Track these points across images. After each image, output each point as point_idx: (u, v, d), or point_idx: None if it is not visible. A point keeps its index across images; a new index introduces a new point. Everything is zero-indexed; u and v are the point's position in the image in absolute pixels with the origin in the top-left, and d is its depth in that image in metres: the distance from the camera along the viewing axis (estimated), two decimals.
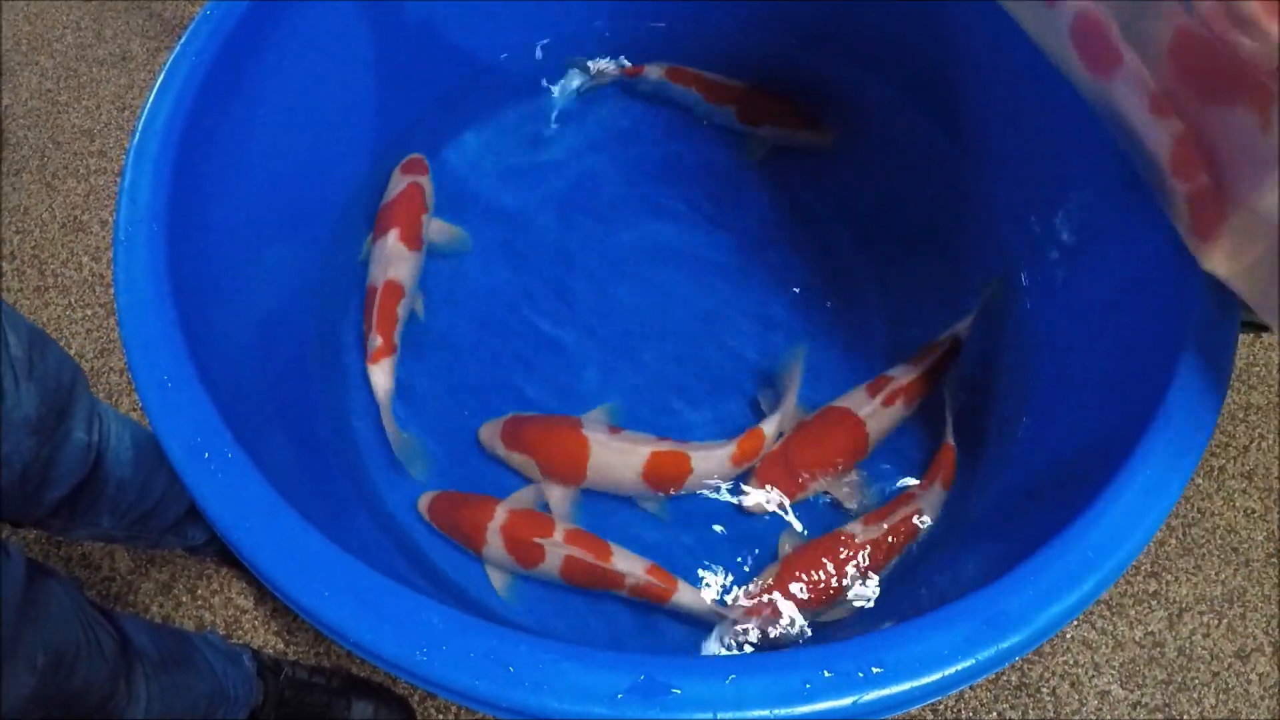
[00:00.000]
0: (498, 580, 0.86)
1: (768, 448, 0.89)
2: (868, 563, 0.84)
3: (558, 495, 0.88)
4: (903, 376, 0.93)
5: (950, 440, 0.90)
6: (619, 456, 0.86)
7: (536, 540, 0.83)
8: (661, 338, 1.01)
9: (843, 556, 0.84)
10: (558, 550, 0.82)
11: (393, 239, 0.98)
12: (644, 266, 1.05)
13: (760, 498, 0.89)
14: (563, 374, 0.99)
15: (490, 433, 0.92)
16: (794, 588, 0.82)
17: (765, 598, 0.82)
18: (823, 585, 0.83)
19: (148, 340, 0.60)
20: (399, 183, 1.04)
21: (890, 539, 0.85)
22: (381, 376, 0.92)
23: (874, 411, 0.90)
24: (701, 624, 0.84)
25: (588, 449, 0.87)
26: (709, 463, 0.87)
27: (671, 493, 0.89)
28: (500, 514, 0.85)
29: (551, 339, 1.01)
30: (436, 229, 1.03)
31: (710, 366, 0.99)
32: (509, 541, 0.84)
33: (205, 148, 0.74)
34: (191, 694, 0.79)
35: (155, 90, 0.73)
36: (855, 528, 0.85)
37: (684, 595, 0.82)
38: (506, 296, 1.03)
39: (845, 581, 0.83)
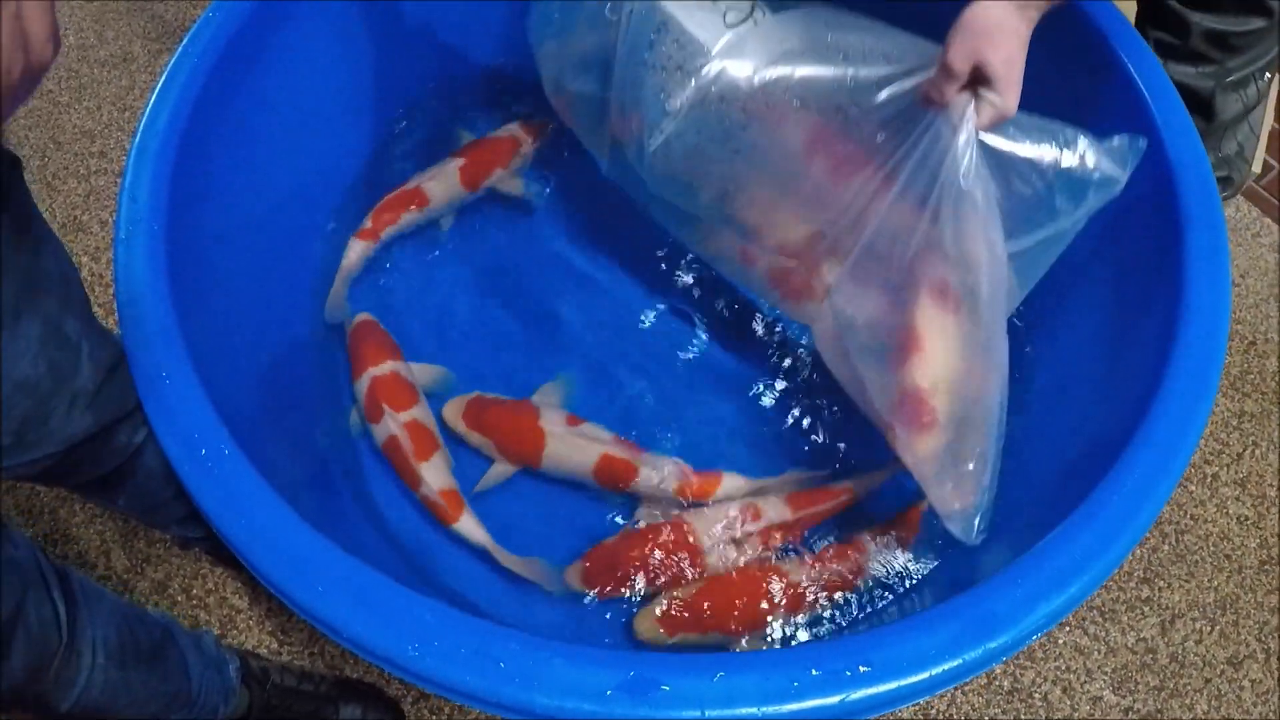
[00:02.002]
0: (354, 420, 0.92)
1: (721, 498, 0.88)
2: (793, 602, 0.81)
3: (498, 469, 0.91)
4: (767, 517, 0.87)
5: (924, 505, 0.85)
6: (573, 452, 0.89)
7: (383, 405, 0.88)
8: (644, 357, 1.02)
9: (767, 590, 0.81)
10: (389, 424, 0.88)
11: (454, 165, 1.04)
12: (646, 284, 1.06)
13: (578, 586, 0.86)
14: (530, 351, 1.02)
15: (453, 411, 0.94)
16: (708, 611, 0.81)
17: (680, 615, 0.81)
18: (739, 614, 0.80)
19: (146, 338, 0.61)
20: (505, 129, 1.09)
21: (822, 586, 0.82)
22: (353, 253, 0.97)
23: (718, 543, 0.85)
24: None
25: (544, 440, 0.89)
26: (654, 480, 0.87)
27: (620, 490, 0.90)
28: (385, 368, 0.91)
29: (538, 317, 1.04)
30: (511, 184, 1.08)
31: (680, 393, 0.99)
32: (369, 392, 0.90)
33: (205, 148, 0.75)
34: (147, 691, 0.77)
35: (157, 91, 0.74)
36: (789, 565, 0.83)
37: (465, 525, 0.85)
38: (509, 270, 1.07)
39: (766, 615, 0.81)
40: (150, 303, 0.62)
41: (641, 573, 0.85)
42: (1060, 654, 1.07)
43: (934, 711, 1.04)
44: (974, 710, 1.04)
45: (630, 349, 1.02)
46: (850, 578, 0.83)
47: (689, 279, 1.06)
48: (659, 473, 0.88)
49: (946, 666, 0.51)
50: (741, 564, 0.85)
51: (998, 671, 1.06)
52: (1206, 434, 1.21)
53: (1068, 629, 1.09)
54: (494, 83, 1.17)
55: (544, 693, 0.47)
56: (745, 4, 0.83)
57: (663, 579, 0.85)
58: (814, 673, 0.49)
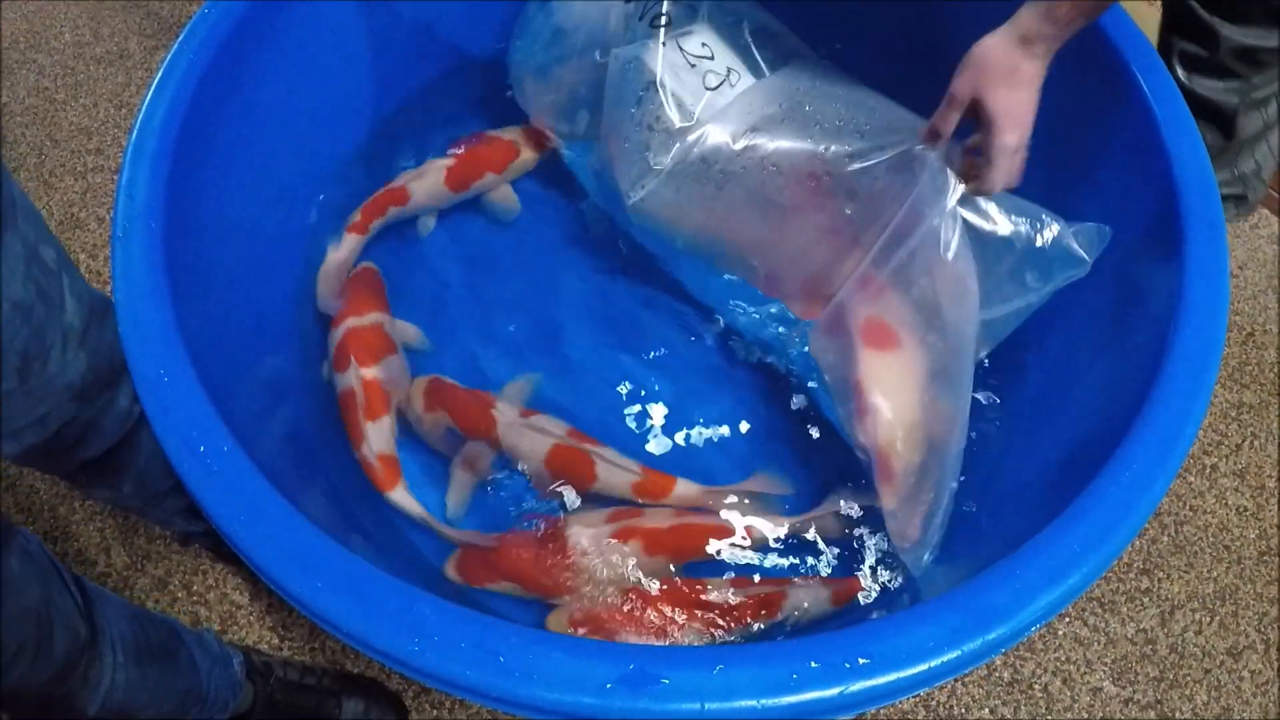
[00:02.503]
0: (325, 370, 0.95)
1: (676, 500, 0.88)
2: (706, 625, 0.80)
3: (461, 478, 0.92)
4: (651, 519, 0.85)
5: (861, 581, 0.85)
6: (522, 439, 0.89)
7: (349, 356, 0.91)
8: (630, 358, 1.02)
9: (682, 608, 0.80)
10: (348, 376, 0.90)
11: (441, 165, 1.03)
12: (637, 283, 1.06)
13: (454, 575, 0.86)
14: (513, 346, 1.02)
15: (411, 392, 0.95)
16: (619, 619, 0.80)
17: (591, 620, 0.80)
18: (649, 627, 0.80)
19: (145, 335, 0.61)
20: (505, 132, 1.08)
21: (745, 612, 0.81)
22: (345, 246, 0.98)
23: (596, 537, 0.84)
24: None
25: (496, 423, 0.90)
26: (611, 476, 0.87)
27: (581, 492, 0.89)
28: (368, 319, 0.94)
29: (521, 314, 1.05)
30: (500, 193, 1.08)
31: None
32: (339, 343, 0.93)
33: (202, 145, 0.75)
34: (163, 690, 0.78)
35: (153, 88, 0.74)
36: (709, 588, 0.82)
37: (398, 495, 0.87)
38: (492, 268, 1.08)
39: (678, 634, 0.80)
40: (148, 300, 0.62)
41: (515, 574, 0.84)
42: (1060, 645, 1.08)
43: (934, 703, 1.04)
44: (974, 701, 1.04)
45: (617, 349, 1.02)
46: (770, 612, 0.81)
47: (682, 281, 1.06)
48: (614, 469, 0.87)
49: (945, 658, 0.51)
50: (621, 564, 0.84)
51: (998, 663, 1.06)
52: (1205, 425, 1.21)
53: (1067, 620, 1.09)
54: (493, 78, 1.17)
55: (544, 686, 0.47)
56: (722, 69, 0.89)
57: (536, 585, 0.84)
58: (813, 665, 0.49)
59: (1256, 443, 1.22)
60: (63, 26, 1.64)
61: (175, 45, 0.76)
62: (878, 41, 1.08)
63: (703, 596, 0.81)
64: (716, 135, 0.86)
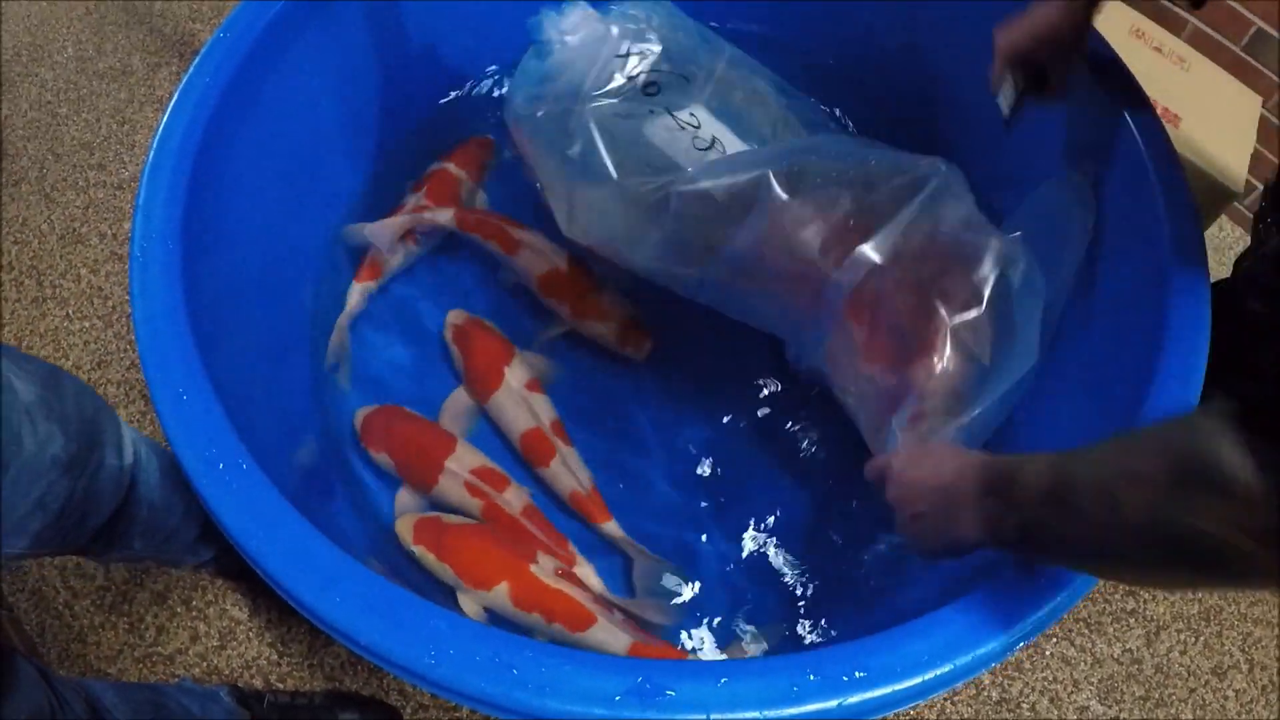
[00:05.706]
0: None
1: (599, 532, 0.91)
2: (520, 591, 0.82)
3: (460, 402, 0.97)
4: (510, 503, 0.89)
5: (681, 648, 0.86)
6: (514, 409, 0.94)
7: (425, 185, 1.06)
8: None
9: (511, 566, 0.83)
10: (416, 197, 1.04)
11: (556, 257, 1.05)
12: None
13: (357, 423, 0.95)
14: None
15: (449, 319, 1.02)
16: (453, 544, 0.84)
17: (430, 532, 0.86)
18: (472, 566, 0.84)
19: (164, 355, 0.62)
20: None
21: (558, 609, 0.82)
22: (430, 216, 1.05)
23: (457, 471, 0.90)
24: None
25: (499, 384, 0.95)
26: (558, 475, 0.92)
27: (534, 470, 0.94)
28: (459, 173, 1.07)
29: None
30: None
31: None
32: (430, 173, 1.07)
33: (218, 165, 0.76)
34: None
35: (171, 107, 0.75)
36: (540, 560, 0.84)
37: (356, 291, 0.98)
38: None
39: (493, 584, 0.83)
40: (167, 320, 0.63)
41: (392, 448, 0.91)
42: (1047, 665, 1.10)
43: None
44: None
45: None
46: (573, 625, 0.82)
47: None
48: (563, 471, 0.91)
49: (939, 672, 0.53)
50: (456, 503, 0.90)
51: (986, 682, 1.08)
52: None
53: (1055, 640, 1.11)
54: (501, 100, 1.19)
55: (555, 698, 0.49)
56: (707, 136, 0.91)
57: (402, 458, 0.92)
58: (812, 678, 0.51)
59: None
60: (65, 41, 1.65)
61: (193, 65, 0.78)
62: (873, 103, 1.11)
63: (531, 570, 0.83)
64: (711, 186, 0.85)
